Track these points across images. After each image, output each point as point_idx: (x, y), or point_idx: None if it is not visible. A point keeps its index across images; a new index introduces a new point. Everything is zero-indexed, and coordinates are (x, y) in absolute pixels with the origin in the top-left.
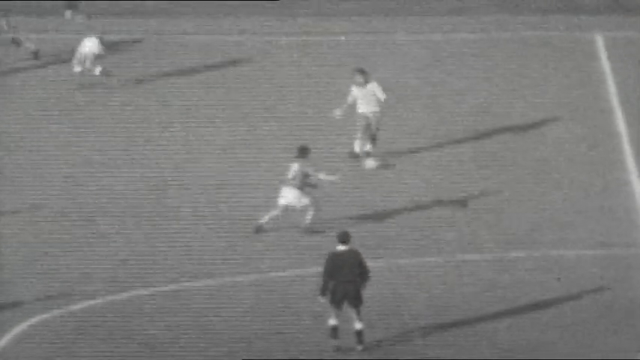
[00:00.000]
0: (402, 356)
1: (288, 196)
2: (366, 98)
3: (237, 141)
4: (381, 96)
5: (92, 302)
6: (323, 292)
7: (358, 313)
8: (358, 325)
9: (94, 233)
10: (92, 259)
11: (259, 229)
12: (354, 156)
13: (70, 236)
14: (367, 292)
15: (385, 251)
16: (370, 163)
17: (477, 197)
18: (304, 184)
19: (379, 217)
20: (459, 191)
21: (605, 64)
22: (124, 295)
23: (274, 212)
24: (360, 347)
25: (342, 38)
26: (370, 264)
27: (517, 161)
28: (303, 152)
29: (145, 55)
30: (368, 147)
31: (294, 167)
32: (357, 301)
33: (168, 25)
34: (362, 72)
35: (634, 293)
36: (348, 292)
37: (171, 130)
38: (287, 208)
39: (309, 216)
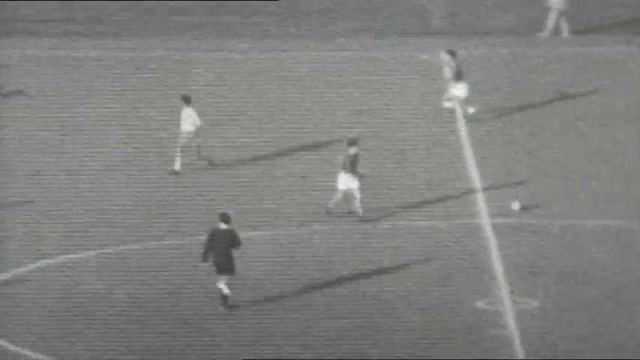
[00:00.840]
0: (277, 313)
1: (346, 181)
2: (185, 119)
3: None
4: (197, 121)
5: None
6: (203, 260)
7: (227, 280)
8: (225, 291)
9: (32, 212)
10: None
11: (329, 213)
12: (175, 173)
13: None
14: (257, 256)
15: (272, 222)
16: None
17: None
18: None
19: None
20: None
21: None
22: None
23: (338, 197)
24: (222, 308)
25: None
26: (259, 233)
27: (365, 162)
28: (354, 141)
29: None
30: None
31: (351, 151)
32: (229, 272)
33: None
34: (184, 98)
35: (470, 258)
36: (222, 265)
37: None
38: (346, 193)
39: (358, 203)
